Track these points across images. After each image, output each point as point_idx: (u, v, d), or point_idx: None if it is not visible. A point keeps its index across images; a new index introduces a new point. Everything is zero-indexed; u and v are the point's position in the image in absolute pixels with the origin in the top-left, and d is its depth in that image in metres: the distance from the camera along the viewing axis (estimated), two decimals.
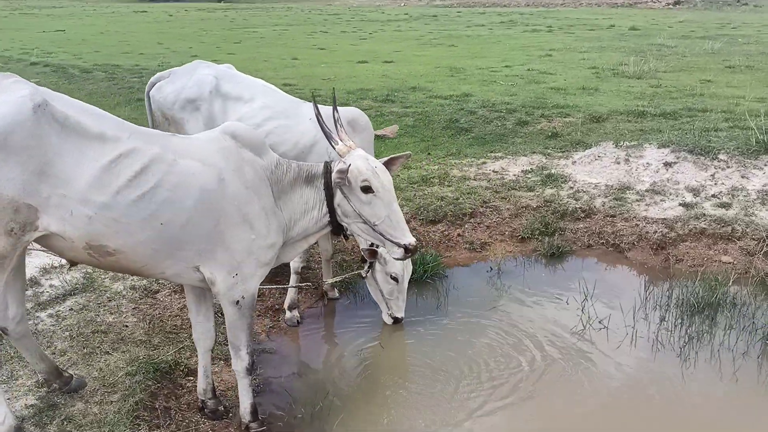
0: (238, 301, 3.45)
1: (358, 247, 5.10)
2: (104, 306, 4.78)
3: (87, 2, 48.74)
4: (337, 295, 5.52)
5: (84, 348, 4.20)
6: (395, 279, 4.87)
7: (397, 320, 5.03)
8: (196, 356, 3.91)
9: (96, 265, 3.29)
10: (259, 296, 5.28)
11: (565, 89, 11.66)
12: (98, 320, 4.57)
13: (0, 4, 42.86)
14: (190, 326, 3.85)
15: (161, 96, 4.97)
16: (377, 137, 9.05)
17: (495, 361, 4.59)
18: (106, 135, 3.09)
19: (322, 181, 3.57)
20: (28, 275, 4.98)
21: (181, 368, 4.17)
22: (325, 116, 3.62)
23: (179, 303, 4.91)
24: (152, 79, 5.18)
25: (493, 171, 7.69)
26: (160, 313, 4.80)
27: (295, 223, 3.60)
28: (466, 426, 3.97)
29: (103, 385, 3.81)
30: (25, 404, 3.69)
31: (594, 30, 23.38)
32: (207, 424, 3.79)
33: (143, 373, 3.93)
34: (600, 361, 4.59)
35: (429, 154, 8.38)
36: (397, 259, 3.65)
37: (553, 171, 7.54)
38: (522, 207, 6.79)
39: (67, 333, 4.36)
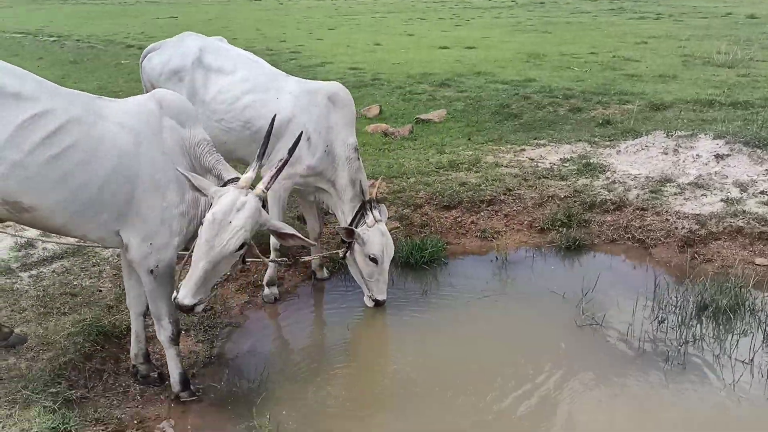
0: (152, 270, 3.43)
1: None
2: (87, 270, 4.91)
3: None
4: (326, 275, 5.40)
5: (44, 308, 4.32)
6: (374, 260, 4.70)
7: (378, 303, 4.85)
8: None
9: (16, 221, 3.35)
10: (242, 271, 5.27)
11: (640, 76, 10.88)
12: (74, 283, 4.71)
13: None
14: None
15: (150, 67, 5.04)
16: (423, 121, 8.85)
17: (471, 357, 4.30)
18: (23, 95, 3.11)
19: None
20: (26, 238, 5.22)
21: None
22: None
23: None
24: (145, 50, 5.26)
25: (529, 158, 7.29)
26: None
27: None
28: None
29: (42, 343, 3.91)
30: None
31: (707, 18, 21.75)
32: (137, 389, 3.79)
33: (84, 334, 3.99)
34: (586, 360, 4.23)
35: (469, 139, 8.06)
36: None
37: (593, 160, 7.05)
38: (548, 196, 6.37)
39: (38, 293, 4.51)
